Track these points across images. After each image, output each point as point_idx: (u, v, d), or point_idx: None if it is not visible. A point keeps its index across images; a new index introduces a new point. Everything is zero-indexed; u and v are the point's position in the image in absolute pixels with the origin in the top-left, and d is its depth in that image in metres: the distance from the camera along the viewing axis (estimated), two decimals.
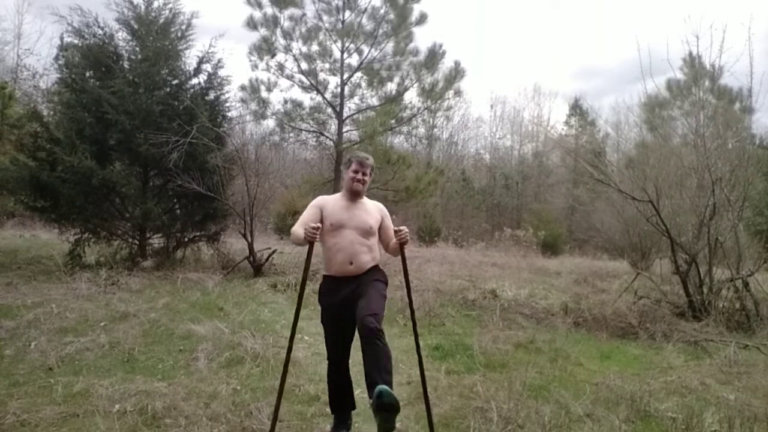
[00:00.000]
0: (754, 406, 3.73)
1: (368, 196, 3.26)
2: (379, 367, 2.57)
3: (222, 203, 8.83)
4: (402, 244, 2.92)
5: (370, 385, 2.53)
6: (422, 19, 9.65)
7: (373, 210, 3.10)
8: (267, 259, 8.83)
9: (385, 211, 3.17)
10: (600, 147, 15.95)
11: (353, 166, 3.05)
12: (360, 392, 3.79)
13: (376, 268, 3.04)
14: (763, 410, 3.58)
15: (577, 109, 31.88)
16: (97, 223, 8.40)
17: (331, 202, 3.06)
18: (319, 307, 3.12)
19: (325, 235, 2.96)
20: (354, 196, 3.07)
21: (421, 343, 5.04)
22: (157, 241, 9.21)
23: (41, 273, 7.49)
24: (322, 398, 3.60)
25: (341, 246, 2.93)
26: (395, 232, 2.91)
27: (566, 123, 32.64)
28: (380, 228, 3.09)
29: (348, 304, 2.91)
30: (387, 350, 2.65)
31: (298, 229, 2.92)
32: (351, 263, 2.94)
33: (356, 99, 10.69)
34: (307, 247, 2.89)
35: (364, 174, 3.05)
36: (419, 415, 3.44)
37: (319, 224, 2.85)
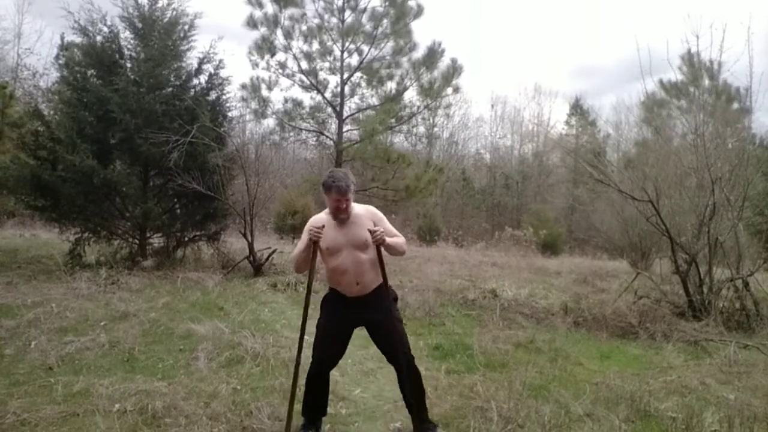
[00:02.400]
0: (754, 405, 3.73)
1: (367, 199, 3.23)
2: (419, 399, 3.04)
3: (222, 203, 8.83)
4: (378, 245, 2.85)
5: (410, 408, 3.04)
6: (419, 12, 9.63)
7: (364, 219, 2.96)
8: (267, 259, 8.83)
9: (376, 212, 3.05)
10: (600, 147, 15.95)
11: (333, 195, 2.88)
12: (360, 392, 3.80)
13: (383, 290, 2.97)
14: (763, 410, 3.59)
15: (577, 108, 31.93)
16: (98, 222, 8.39)
17: (324, 224, 2.92)
18: (319, 312, 3.06)
19: (325, 258, 2.95)
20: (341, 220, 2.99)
21: (421, 343, 5.01)
22: (157, 240, 9.20)
23: (41, 272, 7.48)
24: None
25: (344, 268, 2.90)
26: (369, 232, 2.82)
27: (566, 123, 32.71)
28: None
29: (353, 322, 2.96)
30: (421, 378, 3.07)
31: (300, 248, 2.92)
32: (357, 283, 2.91)
33: (356, 98, 10.70)
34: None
35: (347, 200, 2.90)
36: None
37: (323, 224, 2.87)
